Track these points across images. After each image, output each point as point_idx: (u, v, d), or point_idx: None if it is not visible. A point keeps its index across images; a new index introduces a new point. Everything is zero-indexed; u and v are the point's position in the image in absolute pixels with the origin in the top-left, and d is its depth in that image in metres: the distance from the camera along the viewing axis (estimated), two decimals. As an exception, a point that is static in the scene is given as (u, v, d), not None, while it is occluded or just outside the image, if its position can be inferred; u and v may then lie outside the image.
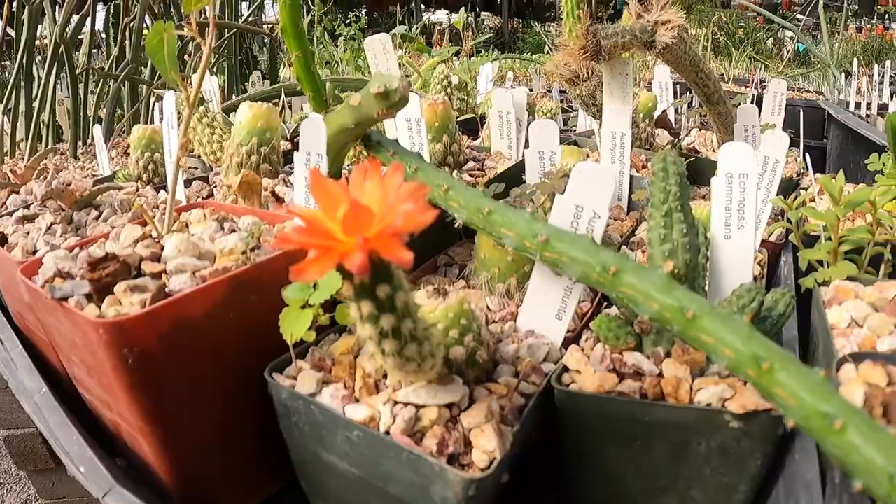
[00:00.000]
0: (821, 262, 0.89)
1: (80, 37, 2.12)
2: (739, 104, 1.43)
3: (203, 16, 2.08)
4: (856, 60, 2.51)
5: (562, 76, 1.22)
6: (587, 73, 1.20)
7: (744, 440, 0.58)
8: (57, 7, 1.91)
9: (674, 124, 1.73)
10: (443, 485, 0.50)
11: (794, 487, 0.55)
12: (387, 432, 0.53)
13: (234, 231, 0.73)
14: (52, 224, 0.91)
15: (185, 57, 2.17)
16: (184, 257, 0.64)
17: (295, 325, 0.59)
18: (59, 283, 0.65)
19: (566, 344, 0.71)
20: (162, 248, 0.69)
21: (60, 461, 1.74)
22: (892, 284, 0.74)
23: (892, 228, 0.97)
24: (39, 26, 1.81)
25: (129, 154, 1.83)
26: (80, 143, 1.91)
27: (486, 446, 0.52)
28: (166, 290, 0.61)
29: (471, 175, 1.21)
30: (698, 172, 1.33)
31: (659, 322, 0.52)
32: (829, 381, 0.43)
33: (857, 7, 8.36)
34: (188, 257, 0.64)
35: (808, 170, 1.05)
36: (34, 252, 0.86)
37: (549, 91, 2.61)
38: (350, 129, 0.80)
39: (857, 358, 0.56)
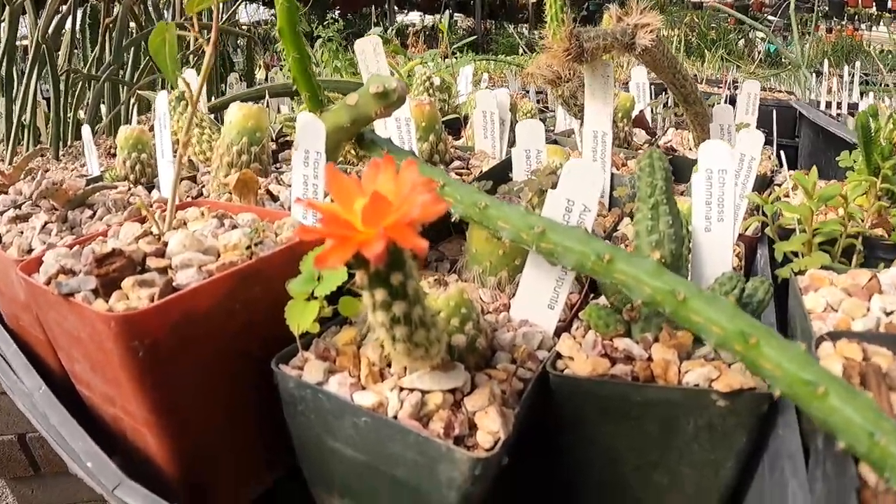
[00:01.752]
0: (795, 254, 0.93)
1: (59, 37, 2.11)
2: (714, 104, 1.48)
3: (184, 18, 2.08)
4: (826, 61, 2.59)
5: (544, 77, 1.25)
6: (569, 75, 1.23)
7: (729, 417, 0.61)
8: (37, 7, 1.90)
9: (650, 124, 1.78)
10: (450, 465, 0.53)
11: (779, 460, 0.58)
12: (394, 417, 0.56)
13: (235, 227, 0.75)
14: (46, 223, 0.92)
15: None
16: (189, 252, 0.66)
17: (301, 317, 0.61)
18: (63, 279, 0.66)
19: (557, 332, 0.74)
20: (165, 244, 0.70)
21: (40, 468, 1.71)
22: (864, 272, 0.78)
23: (862, 221, 1.03)
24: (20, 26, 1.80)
25: (112, 155, 1.83)
26: (60, 144, 1.90)
27: (491, 427, 0.55)
28: (173, 284, 0.63)
29: (457, 173, 1.23)
30: (676, 170, 1.37)
31: (651, 305, 0.55)
32: (810, 353, 0.46)
33: (826, 8, 8.58)
34: (193, 252, 0.66)
35: (782, 166, 1.09)
36: (30, 251, 0.87)
37: (527, 92, 2.65)
38: (346, 127, 0.82)
39: (834, 336, 0.60)
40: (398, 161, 0.81)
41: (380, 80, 0.75)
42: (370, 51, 1.06)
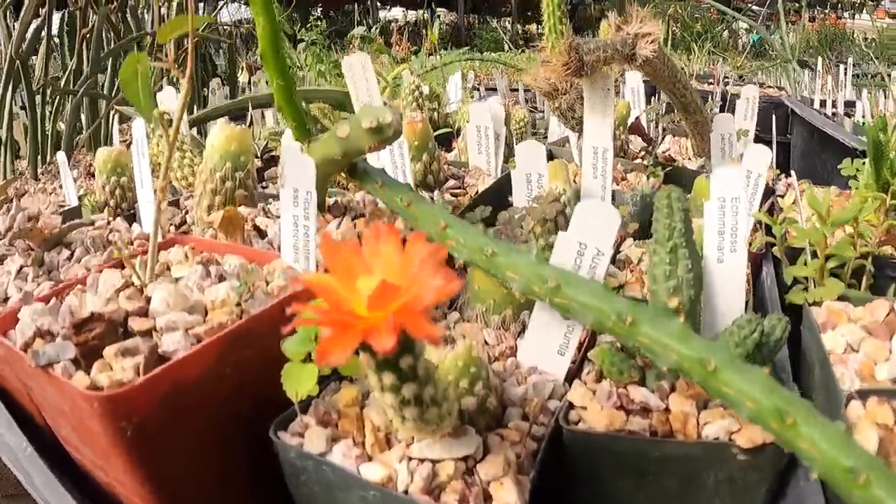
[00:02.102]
0: (806, 278, 0.90)
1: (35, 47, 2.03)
2: (712, 109, 1.45)
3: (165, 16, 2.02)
4: (820, 59, 2.55)
5: (541, 89, 1.21)
6: (566, 87, 1.19)
7: (751, 472, 0.59)
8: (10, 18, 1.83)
9: (646, 131, 1.74)
10: (465, 546, 0.49)
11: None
12: (405, 491, 0.52)
13: (222, 277, 0.71)
14: (22, 267, 0.87)
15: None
16: (174, 313, 0.61)
17: (299, 382, 0.57)
18: (40, 344, 0.61)
19: (568, 376, 0.71)
20: (147, 299, 0.66)
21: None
22: (881, 304, 0.75)
23: (871, 239, 1.00)
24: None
25: (92, 175, 1.76)
26: (39, 160, 1.83)
27: (507, 499, 0.51)
28: (159, 350, 0.59)
29: (452, 194, 1.19)
30: (676, 183, 1.34)
31: (678, 371, 0.51)
32: (850, 435, 0.43)
33: (810, -4, 8.55)
34: (178, 312, 0.62)
35: (783, 175, 1.06)
36: (6, 299, 0.82)
37: (515, 92, 2.60)
38: (336, 160, 0.78)
39: (863, 395, 0.56)
40: (396, 196, 0.77)
41: (373, 114, 0.70)
42: (358, 69, 1.01)
